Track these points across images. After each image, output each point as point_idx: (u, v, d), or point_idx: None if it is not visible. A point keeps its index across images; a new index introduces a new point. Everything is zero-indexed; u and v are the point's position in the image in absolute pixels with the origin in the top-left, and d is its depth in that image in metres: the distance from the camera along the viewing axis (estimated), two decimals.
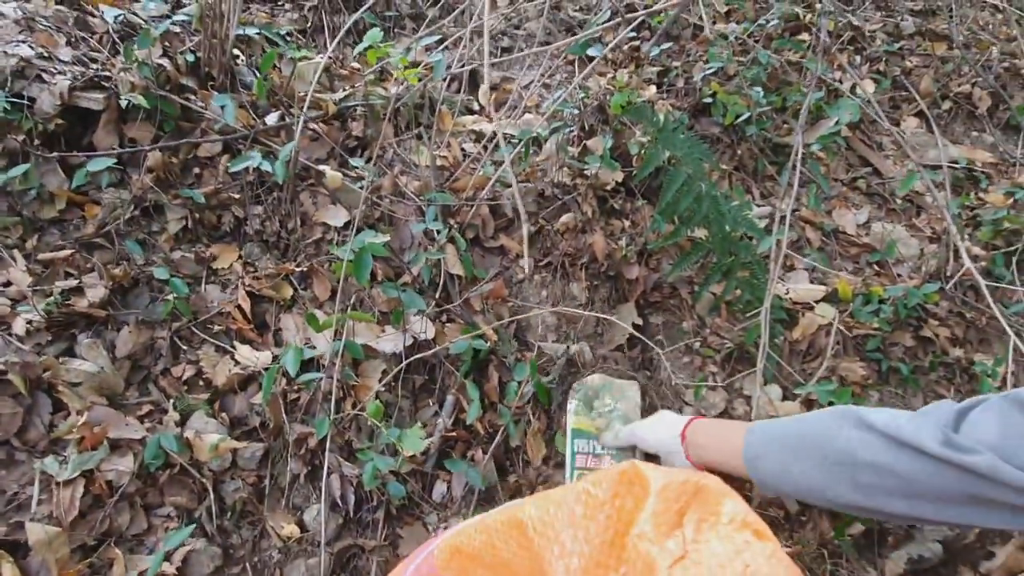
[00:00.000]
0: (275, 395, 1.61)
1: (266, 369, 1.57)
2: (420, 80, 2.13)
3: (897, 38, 3.28)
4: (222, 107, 1.81)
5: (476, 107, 2.73)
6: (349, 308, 1.74)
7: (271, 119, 2.05)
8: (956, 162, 2.83)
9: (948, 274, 2.34)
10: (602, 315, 2.01)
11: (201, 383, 1.63)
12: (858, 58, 3.19)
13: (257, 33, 2.21)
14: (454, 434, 1.74)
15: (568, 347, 1.91)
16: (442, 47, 2.70)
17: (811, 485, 1.01)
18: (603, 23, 2.15)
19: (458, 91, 2.85)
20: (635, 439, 1.45)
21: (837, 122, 2.76)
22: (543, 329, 2.05)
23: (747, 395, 2.03)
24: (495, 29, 3.07)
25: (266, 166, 1.69)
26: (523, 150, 2.16)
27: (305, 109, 1.95)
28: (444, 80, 2.58)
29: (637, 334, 1.95)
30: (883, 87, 3.04)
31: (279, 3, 2.81)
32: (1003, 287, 2.33)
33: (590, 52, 1.90)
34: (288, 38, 2.67)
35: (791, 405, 1.98)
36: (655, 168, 2.44)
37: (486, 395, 1.85)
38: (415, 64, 2.27)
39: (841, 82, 3.00)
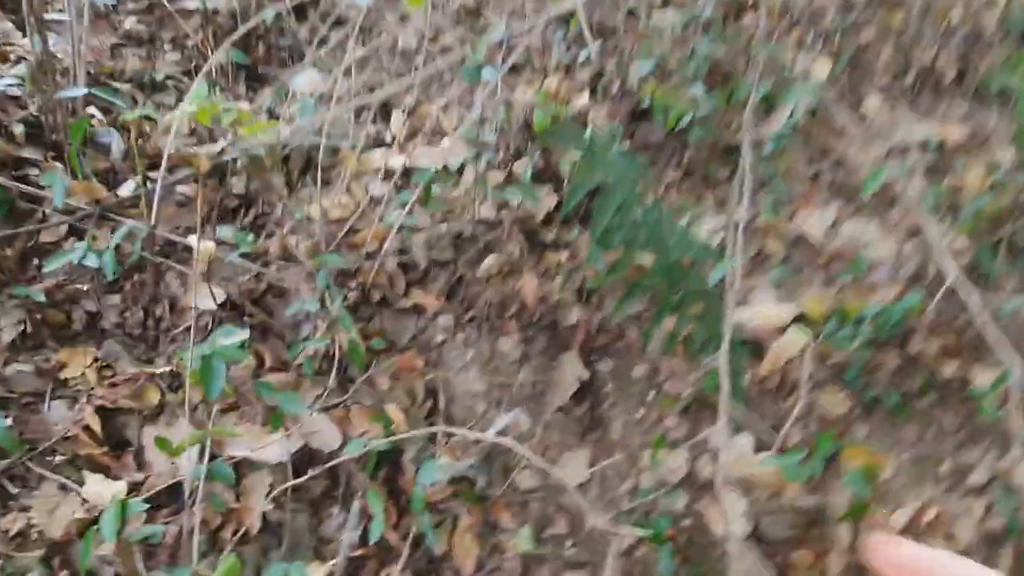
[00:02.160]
0: (125, 541, 1.31)
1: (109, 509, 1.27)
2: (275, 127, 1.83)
3: (849, 10, 3.00)
4: (49, 185, 1.51)
5: (388, 139, 2.43)
6: (215, 414, 1.44)
7: (126, 189, 1.75)
8: (927, 143, 2.56)
9: (929, 276, 2.08)
10: (536, 377, 1.73)
11: (35, 536, 1.33)
12: (808, 37, 2.91)
13: (105, 89, 1.90)
14: (362, 552, 1.45)
15: (495, 422, 1.62)
16: (334, 77, 2.40)
17: None
18: (490, 43, 1.86)
19: (371, 121, 2.56)
20: None
21: (792, 112, 2.49)
22: (471, 398, 1.76)
23: (715, 451, 1.75)
24: (406, 46, 2.77)
25: (92, 261, 1.39)
26: (427, 188, 1.87)
27: (162, 171, 1.65)
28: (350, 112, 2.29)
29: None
30: (839, 67, 2.76)
31: (156, 44, 2.50)
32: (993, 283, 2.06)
33: (485, 74, 1.61)
34: (168, 82, 2.37)
35: (766, 459, 1.70)
36: (590, 191, 2.17)
37: (403, 491, 1.56)
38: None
39: (792, 67, 2.72)
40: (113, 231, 1.60)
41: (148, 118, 1.85)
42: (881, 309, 1.86)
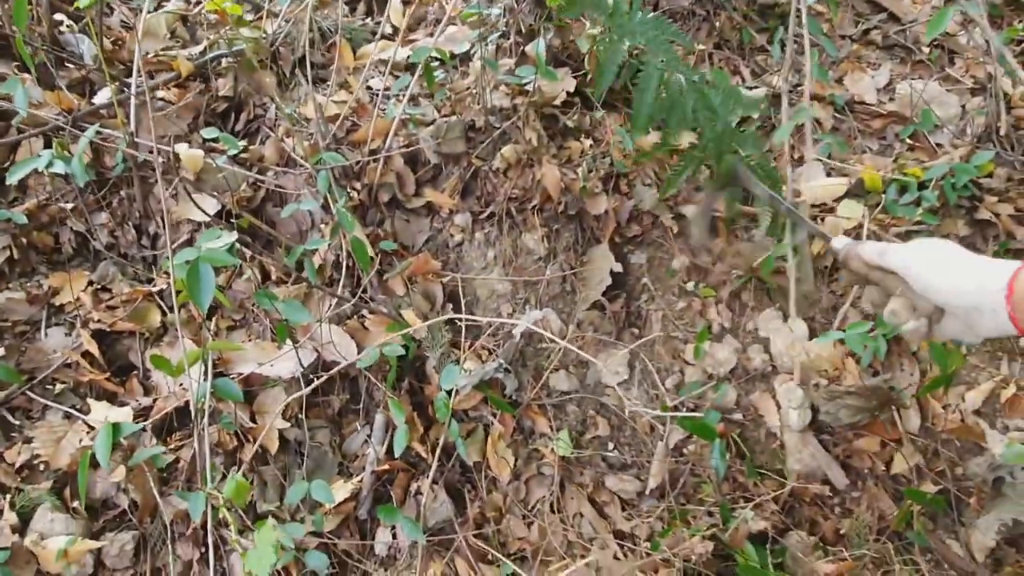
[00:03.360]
0: (139, 465, 1.23)
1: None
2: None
3: None
4: (11, 95, 1.36)
5: (389, 30, 2.22)
6: (217, 329, 1.33)
7: (101, 97, 1.60)
8: None
9: (1001, 132, 1.84)
10: (567, 271, 1.58)
11: (42, 467, 1.26)
12: None
13: None
14: (389, 466, 1.35)
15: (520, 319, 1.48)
16: None
17: None
18: None
19: (367, 15, 2.34)
20: (909, 273, 0.76)
21: None
22: (495, 299, 1.63)
23: (764, 337, 1.60)
24: None
25: (59, 167, 1.25)
26: (428, 70, 1.67)
27: (135, 74, 1.49)
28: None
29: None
30: None
31: None
32: None
33: None
34: None
35: (823, 345, 1.55)
36: (617, 68, 1.95)
37: (429, 401, 1.45)
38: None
39: None
40: (91, 143, 1.45)
41: (126, 26, 1.67)
42: (948, 169, 1.65)
